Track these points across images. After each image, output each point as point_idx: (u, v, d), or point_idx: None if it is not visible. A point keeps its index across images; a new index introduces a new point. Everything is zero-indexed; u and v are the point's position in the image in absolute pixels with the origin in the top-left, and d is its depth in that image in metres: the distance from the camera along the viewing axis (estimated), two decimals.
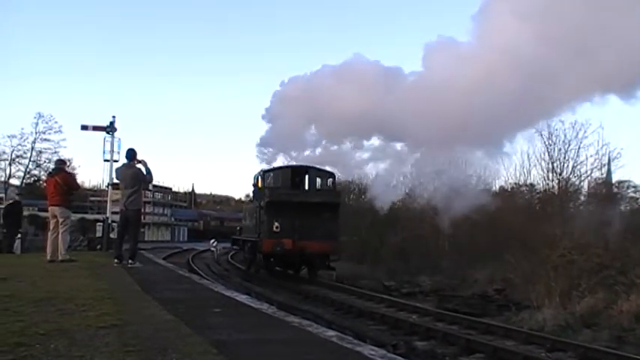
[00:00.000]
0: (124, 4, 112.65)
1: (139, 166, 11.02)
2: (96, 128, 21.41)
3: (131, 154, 11.11)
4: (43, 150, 46.95)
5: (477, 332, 11.60)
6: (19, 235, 20.96)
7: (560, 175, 19.56)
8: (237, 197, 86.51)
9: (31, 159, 47.13)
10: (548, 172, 19.79)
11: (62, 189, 11.39)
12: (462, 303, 15.71)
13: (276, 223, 18.94)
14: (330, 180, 21.29)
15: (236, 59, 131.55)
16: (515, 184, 22.13)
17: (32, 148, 46.77)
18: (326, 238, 18.94)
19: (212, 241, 33.86)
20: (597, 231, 16.77)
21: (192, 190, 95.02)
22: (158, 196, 66.31)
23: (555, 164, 19.52)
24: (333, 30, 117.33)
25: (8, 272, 8.71)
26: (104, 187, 29.52)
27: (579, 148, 19.28)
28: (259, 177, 21.53)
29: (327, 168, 22.63)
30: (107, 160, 20.97)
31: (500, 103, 17.25)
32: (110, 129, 20.87)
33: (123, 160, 12.47)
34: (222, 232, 49.94)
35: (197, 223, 75.21)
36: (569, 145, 19.30)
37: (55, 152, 45.45)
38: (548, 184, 20.14)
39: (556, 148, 19.43)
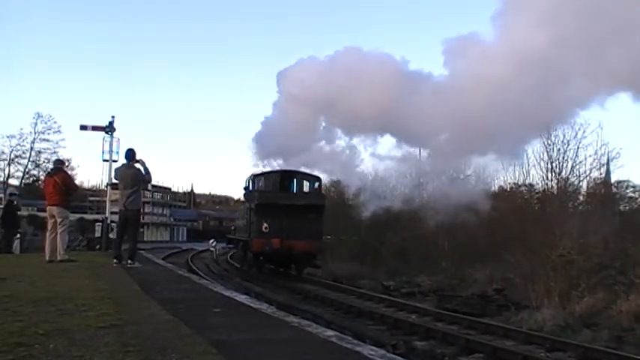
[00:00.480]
0: (124, 4, 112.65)
1: (138, 165, 11.01)
2: (95, 128, 21.39)
3: (130, 154, 11.09)
4: (42, 150, 47.04)
5: (476, 332, 11.61)
6: (19, 235, 20.98)
7: (559, 174, 19.55)
8: (236, 197, 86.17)
9: (30, 159, 47.20)
10: (547, 171, 19.79)
11: (61, 189, 11.36)
12: (462, 303, 15.72)
13: (265, 224, 20.09)
14: (316, 183, 22.47)
15: (236, 59, 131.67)
16: (515, 184, 22.14)
17: (31, 148, 46.84)
18: (311, 237, 20.12)
19: (211, 241, 33.90)
20: (597, 231, 16.79)
21: (192, 190, 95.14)
22: (157, 196, 66.31)
23: (554, 164, 19.51)
24: (337, 30, 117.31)
25: (7, 272, 8.71)
26: (103, 187, 29.55)
27: (578, 147, 19.28)
28: (250, 180, 22.76)
29: (315, 172, 23.72)
30: (106, 160, 20.97)
31: (518, 104, 17.35)
32: (109, 129, 20.86)
33: (122, 161, 12.47)
34: (221, 232, 49.95)
35: (196, 223, 75.25)
36: (568, 144, 19.30)
37: (54, 152, 45.52)
38: (547, 184, 20.14)
39: (555, 148, 19.43)
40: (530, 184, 21.35)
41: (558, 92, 16.94)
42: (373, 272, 23.11)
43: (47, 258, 11.18)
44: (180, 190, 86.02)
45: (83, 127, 21.70)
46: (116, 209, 13.88)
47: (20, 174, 47.78)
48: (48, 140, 46.91)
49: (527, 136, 19.22)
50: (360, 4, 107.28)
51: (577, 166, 19.46)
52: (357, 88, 23.00)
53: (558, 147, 19.28)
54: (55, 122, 46.84)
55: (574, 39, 15.82)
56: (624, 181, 20.80)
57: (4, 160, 46.59)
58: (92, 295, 6.20)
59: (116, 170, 12.43)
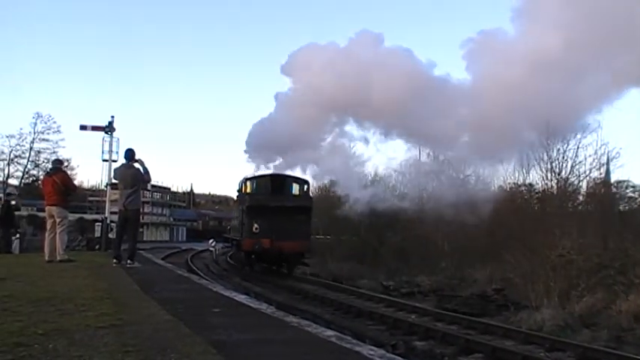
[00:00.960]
0: (124, 4, 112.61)
1: (137, 165, 10.99)
2: (94, 128, 21.37)
3: (130, 154, 11.06)
4: (42, 150, 47.01)
5: (476, 332, 11.61)
6: (18, 235, 20.98)
7: (559, 174, 19.56)
8: (235, 197, 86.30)
9: (30, 159, 47.19)
10: (546, 171, 19.79)
11: (60, 189, 11.32)
12: (461, 303, 15.73)
13: (256, 225, 21.30)
14: (305, 186, 23.74)
15: (236, 59, 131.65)
16: (514, 183, 22.13)
17: (31, 148, 46.81)
18: (300, 237, 21.32)
19: (211, 241, 33.97)
20: (596, 231, 16.80)
21: (191, 190, 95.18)
22: (157, 196, 66.33)
23: (554, 164, 19.51)
24: (337, 30, 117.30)
25: (7, 272, 8.70)
26: (103, 187, 29.49)
27: (578, 147, 19.30)
28: (242, 183, 24.09)
29: (304, 176, 25.17)
30: (106, 160, 20.95)
31: (536, 106, 17.50)
32: (109, 129, 20.85)
33: (121, 160, 12.45)
34: (220, 231, 49.98)
35: (196, 223, 75.24)
36: (568, 144, 19.31)
37: (54, 152, 45.48)
38: (547, 184, 20.14)
39: (555, 148, 19.43)
40: (530, 184, 21.37)
41: (577, 91, 17.09)
42: (373, 272, 23.13)
43: (46, 258, 11.16)
44: (180, 190, 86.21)
45: (83, 127, 21.67)
46: (116, 209, 13.86)
47: (20, 174, 47.83)
48: (47, 140, 46.93)
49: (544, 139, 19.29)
50: (361, 5, 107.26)
51: (577, 166, 19.49)
52: (374, 81, 23.07)
53: (558, 147, 19.30)
54: (54, 122, 46.88)
55: (590, 38, 15.95)
56: (624, 181, 20.79)
57: (3, 160, 46.62)
58: (92, 295, 6.19)
59: (115, 170, 12.41)
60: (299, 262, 23.09)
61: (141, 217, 20.17)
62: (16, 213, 32.35)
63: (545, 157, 19.64)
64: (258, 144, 27.45)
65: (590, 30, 16.58)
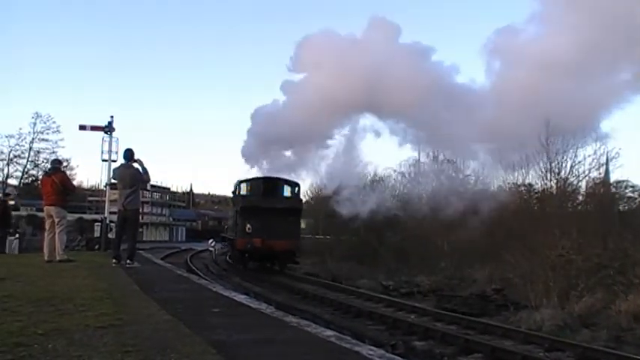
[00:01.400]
0: (123, 4, 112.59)
1: (136, 165, 10.99)
2: (94, 128, 21.36)
3: (129, 154, 11.05)
4: (41, 150, 47.03)
5: (475, 332, 11.62)
6: (17, 235, 20.96)
7: (558, 174, 19.55)
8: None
9: (29, 159, 47.20)
10: (546, 171, 19.78)
11: (58, 189, 11.31)
12: (461, 303, 15.72)
13: (248, 225, 22.49)
14: (296, 188, 24.88)
15: (235, 59, 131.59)
16: (514, 183, 22.12)
17: (30, 148, 46.83)
18: (290, 237, 22.57)
19: (210, 241, 34.00)
20: (596, 231, 16.80)
21: (191, 190, 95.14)
22: (156, 196, 66.26)
23: (553, 164, 19.50)
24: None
25: (6, 272, 8.69)
26: (102, 187, 29.53)
27: (577, 147, 19.30)
28: (237, 186, 25.36)
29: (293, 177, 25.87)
30: (105, 160, 20.94)
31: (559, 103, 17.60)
32: (108, 129, 20.84)
33: (121, 161, 12.44)
34: (220, 231, 49.92)
35: (195, 223, 75.17)
36: (568, 144, 19.29)
37: (53, 152, 45.51)
38: (546, 184, 20.13)
39: (554, 148, 19.41)
40: (530, 184, 21.36)
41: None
42: (372, 272, 23.12)
43: (46, 258, 11.15)
44: (180, 190, 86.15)
45: (82, 127, 21.66)
46: (115, 209, 13.86)
47: (19, 174, 47.84)
48: (47, 140, 46.94)
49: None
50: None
51: (576, 166, 19.49)
52: (391, 78, 23.08)
53: (557, 147, 19.29)
54: (54, 122, 46.88)
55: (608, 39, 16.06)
56: (623, 180, 20.80)
57: (2, 160, 46.63)
58: (91, 295, 6.19)
59: (115, 170, 12.40)
60: (289, 260, 24.12)
61: (140, 217, 20.23)
62: (16, 213, 32.37)
63: (545, 157, 19.64)
64: (263, 132, 27.67)
65: (608, 31, 16.70)
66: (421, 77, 23.39)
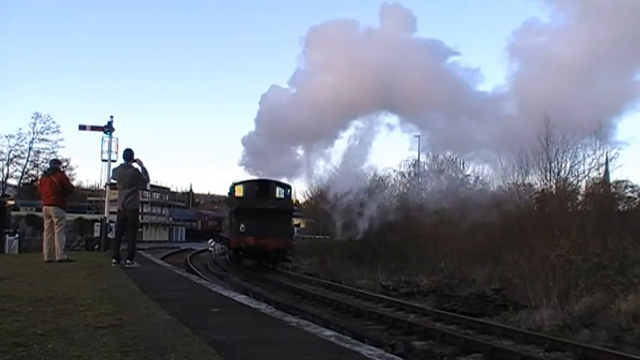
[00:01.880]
0: (123, 4, 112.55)
1: (135, 165, 10.99)
2: (94, 128, 21.37)
3: (128, 154, 11.04)
4: (41, 150, 47.02)
5: (475, 332, 11.61)
6: (17, 235, 20.95)
7: (557, 174, 19.55)
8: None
9: (29, 159, 47.20)
10: (545, 171, 19.78)
11: (57, 189, 11.29)
12: (460, 303, 15.71)
13: (242, 225, 23.71)
14: (288, 190, 26.26)
15: (235, 59, 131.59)
16: (514, 183, 22.10)
17: (30, 148, 46.81)
18: (281, 235, 23.80)
19: (210, 241, 34.06)
20: (595, 230, 16.80)
21: (190, 190, 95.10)
22: (156, 196, 66.23)
23: (553, 164, 19.50)
24: None
25: (6, 272, 8.69)
26: (102, 187, 29.55)
27: (577, 147, 19.29)
28: (232, 187, 26.61)
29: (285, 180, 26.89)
30: (105, 160, 20.95)
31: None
32: (108, 129, 20.86)
33: (121, 161, 12.44)
34: (220, 232, 50.01)
35: (195, 223, 75.08)
36: (567, 144, 19.28)
37: (53, 152, 45.50)
38: (546, 184, 20.13)
39: (554, 148, 19.41)
40: (529, 184, 21.35)
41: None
42: (372, 272, 23.11)
43: (45, 258, 11.15)
44: (179, 190, 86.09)
45: (82, 127, 21.67)
46: (115, 209, 13.87)
47: (19, 174, 47.80)
48: (47, 140, 46.92)
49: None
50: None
51: (576, 166, 19.49)
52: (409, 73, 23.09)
53: (557, 146, 19.29)
54: (53, 122, 46.86)
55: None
56: (623, 180, 20.78)
57: (2, 160, 46.62)
58: (91, 295, 6.19)
59: (114, 170, 12.39)
60: (281, 258, 25.45)
61: (140, 217, 20.22)
62: (16, 213, 32.33)
63: (545, 157, 19.64)
64: (270, 123, 28.05)
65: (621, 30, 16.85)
66: (436, 76, 23.44)
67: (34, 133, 46.34)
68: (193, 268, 23.45)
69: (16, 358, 3.39)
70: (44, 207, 11.56)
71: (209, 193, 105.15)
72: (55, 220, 11.25)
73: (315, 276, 23.22)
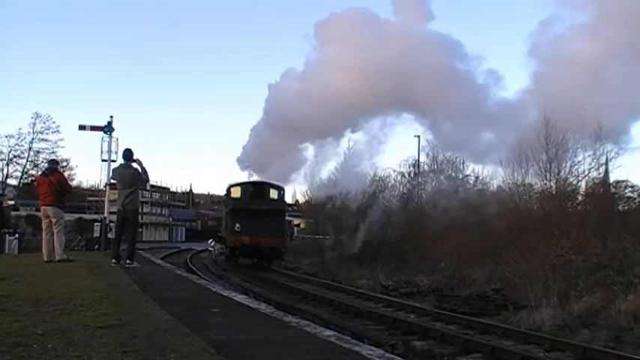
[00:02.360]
0: (123, 4, 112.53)
1: (135, 165, 10.98)
2: (93, 128, 21.39)
3: (127, 154, 11.04)
4: (41, 150, 46.83)
5: (475, 332, 11.60)
6: (17, 235, 20.97)
7: (557, 174, 19.54)
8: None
9: (29, 159, 47.05)
10: (545, 171, 19.76)
11: (55, 189, 11.27)
12: (460, 303, 15.70)
13: (238, 225, 24.93)
14: (281, 192, 27.62)
15: (235, 59, 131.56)
16: (513, 183, 22.10)
17: (30, 148, 46.66)
18: (275, 235, 25.07)
19: (210, 241, 34.10)
20: (595, 230, 16.79)
21: (190, 190, 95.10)
22: (156, 196, 66.22)
23: (553, 164, 19.49)
24: None
25: (6, 272, 8.68)
26: (102, 187, 29.58)
27: (577, 147, 19.28)
28: (229, 189, 27.92)
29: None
30: (105, 160, 20.96)
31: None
32: (108, 129, 20.86)
33: (120, 161, 12.44)
34: (219, 231, 50.04)
35: (195, 223, 75.06)
36: (567, 144, 19.27)
37: (53, 152, 45.34)
38: (545, 184, 20.11)
39: (554, 148, 19.39)
40: (529, 184, 21.34)
41: None
42: (372, 272, 23.11)
43: (45, 258, 11.14)
44: (179, 190, 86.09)
45: (82, 127, 21.69)
46: (114, 209, 13.87)
47: (19, 174, 47.69)
48: (46, 140, 46.75)
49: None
50: None
51: (575, 166, 19.47)
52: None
53: (557, 147, 19.27)
54: (53, 122, 46.66)
55: None
56: (623, 180, 20.76)
57: (2, 160, 46.44)
58: (91, 295, 6.19)
59: (114, 170, 12.39)
60: (276, 256, 26.39)
61: (140, 217, 20.24)
62: (15, 213, 32.33)
63: (544, 157, 19.63)
64: (278, 114, 28.31)
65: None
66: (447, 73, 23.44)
67: (33, 133, 46.25)
68: (193, 268, 23.45)
69: (16, 358, 3.39)
70: (42, 207, 11.54)
71: (209, 193, 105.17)
72: (54, 220, 11.23)
73: (315, 276, 23.23)
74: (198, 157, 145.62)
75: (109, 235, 18.51)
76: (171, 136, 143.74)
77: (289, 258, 30.95)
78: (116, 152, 20.26)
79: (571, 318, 12.78)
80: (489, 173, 25.64)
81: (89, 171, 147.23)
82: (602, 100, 19.27)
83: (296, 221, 51.92)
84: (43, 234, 11.60)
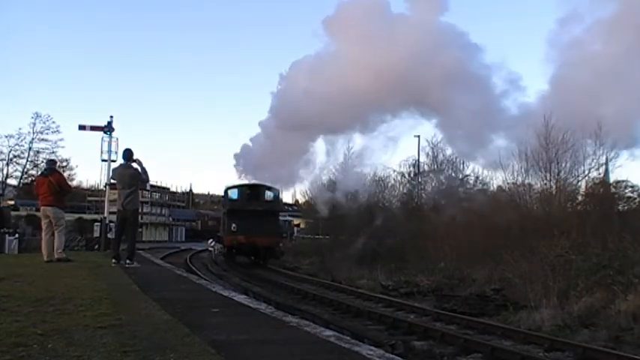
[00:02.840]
0: (123, 5, 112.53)
1: (135, 165, 10.98)
2: (93, 128, 21.40)
3: (127, 154, 11.04)
4: (41, 150, 46.77)
5: (475, 332, 11.60)
6: (17, 235, 20.98)
7: (557, 174, 19.53)
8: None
9: (29, 159, 47.00)
10: (545, 171, 19.76)
11: (55, 189, 11.27)
12: (460, 303, 15.69)
13: (234, 224, 26.32)
14: (277, 194, 29.10)
15: (235, 59, 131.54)
16: (513, 183, 22.10)
17: (30, 148, 46.62)
18: (270, 234, 26.45)
19: (210, 241, 34.12)
20: (595, 231, 16.78)
21: (190, 190, 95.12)
22: (156, 196, 66.24)
23: (553, 164, 19.48)
24: None
25: (5, 272, 8.69)
26: (102, 187, 29.57)
27: (577, 147, 19.26)
28: (225, 191, 29.58)
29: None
30: (105, 160, 20.97)
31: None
32: (108, 129, 20.87)
33: (120, 161, 12.45)
34: (219, 232, 50.05)
35: (195, 223, 75.08)
36: (567, 144, 19.26)
37: (53, 152, 45.33)
38: (545, 184, 20.11)
39: (554, 148, 19.39)
40: (529, 184, 21.34)
41: None
42: (372, 272, 23.11)
43: (45, 258, 11.15)
44: (179, 190, 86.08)
45: (82, 127, 21.70)
46: (114, 209, 13.87)
47: (19, 174, 47.66)
48: (46, 140, 46.72)
49: None
50: None
51: (575, 166, 19.46)
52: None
53: (557, 147, 19.27)
54: (53, 122, 46.63)
55: None
56: (623, 181, 20.75)
57: (2, 160, 46.40)
58: (90, 295, 6.19)
59: (114, 170, 12.39)
60: (271, 255, 27.45)
61: (140, 217, 20.25)
62: (15, 213, 32.33)
63: (544, 157, 19.63)
64: (286, 110, 28.58)
65: None
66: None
67: (33, 133, 46.22)
68: (193, 268, 23.44)
69: (16, 358, 3.39)
70: (42, 207, 11.54)
71: (209, 193, 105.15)
72: (54, 220, 11.24)
73: (315, 276, 23.21)
74: (198, 157, 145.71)
75: (109, 235, 18.51)
76: (171, 136, 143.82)
77: (289, 258, 30.99)
78: (116, 152, 20.30)
79: (571, 318, 12.78)
80: (489, 173, 25.61)
81: (89, 171, 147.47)
82: (609, 100, 19.24)
83: (296, 221, 51.95)
84: (43, 234, 11.60)
